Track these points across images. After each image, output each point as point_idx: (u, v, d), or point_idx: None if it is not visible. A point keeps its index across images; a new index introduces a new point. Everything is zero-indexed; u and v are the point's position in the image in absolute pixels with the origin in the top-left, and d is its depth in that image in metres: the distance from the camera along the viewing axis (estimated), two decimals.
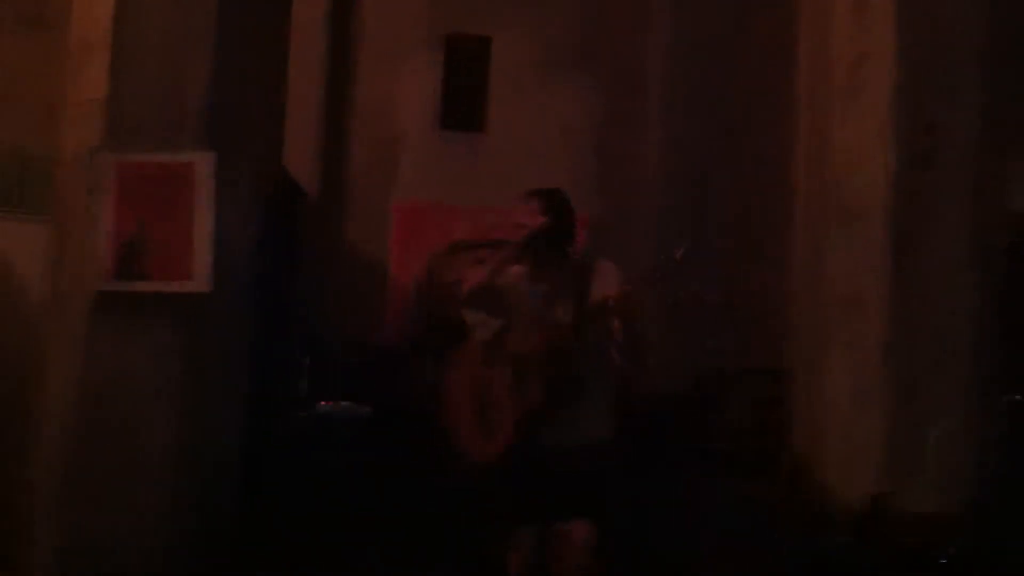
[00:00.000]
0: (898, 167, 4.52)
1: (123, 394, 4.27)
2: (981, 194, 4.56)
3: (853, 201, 4.61)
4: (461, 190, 7.35)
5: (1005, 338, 4.65)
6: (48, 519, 4.30)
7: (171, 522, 4.25)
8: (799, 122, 5.15)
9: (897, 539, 4.20)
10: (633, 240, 7.46)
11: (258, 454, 4.71)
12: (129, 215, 4.31)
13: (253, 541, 4.59)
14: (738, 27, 7.54)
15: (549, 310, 3.84)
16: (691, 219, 7.42)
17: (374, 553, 4.72)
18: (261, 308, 4.75)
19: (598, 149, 7.60)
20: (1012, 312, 4.72)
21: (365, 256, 7.23)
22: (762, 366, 6.22)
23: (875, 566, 4.13)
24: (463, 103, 7.42)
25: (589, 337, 3.77)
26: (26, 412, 4.51)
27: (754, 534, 4.57)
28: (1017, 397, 4.79)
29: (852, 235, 4.62)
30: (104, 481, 4.23)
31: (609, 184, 7.50)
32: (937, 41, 4.55)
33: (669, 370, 6.68)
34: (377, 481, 4.99)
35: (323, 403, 5.46)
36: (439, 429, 3.94)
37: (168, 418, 4.27)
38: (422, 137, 7.36)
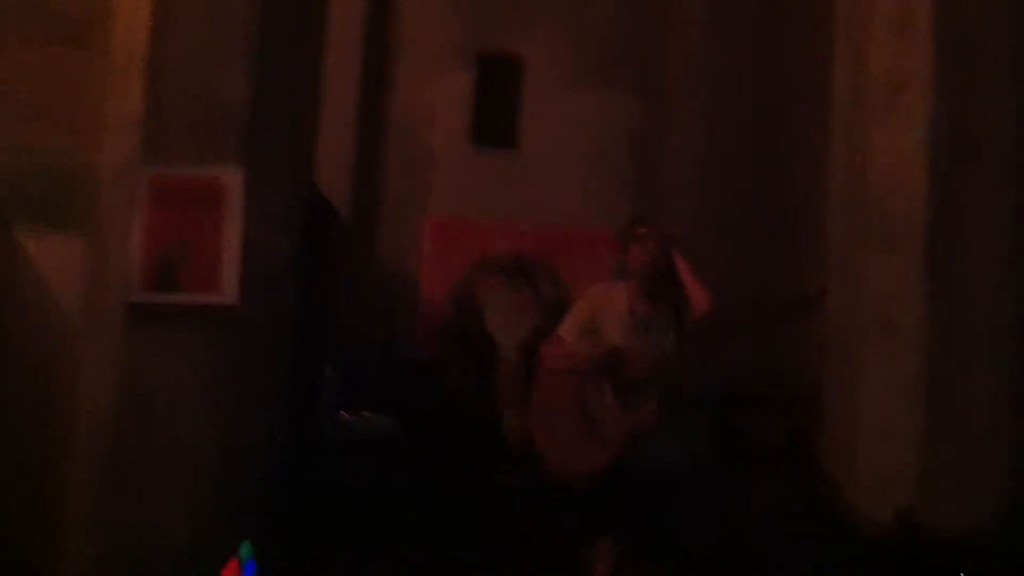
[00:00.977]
0: (937, 190, 4.49)
1: (161, 403, 4.32)
2: (1020, 216, 4.51)
3: (890, 223, 4.58)
4: (493, 206, 7.37)
5: None
6: (84, 527, 4.36)
7: (210, 528, 4.28)
8: (834, 143, 5.11)
9: (925, 557, 4.17)
10: None
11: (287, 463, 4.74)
12: (163, 230, 4.37)
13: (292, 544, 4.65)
14: (771, 38, 7.52)
15: (647, 335, 3.95)
16: (725, 229, 7.40)
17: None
18: (295, 321, 4.79)
19: (631, 162, 7.59)
20: None
21: (397, 271, 7.26)
22: (788, 390, 6.19)
23: None
24: (495, 121, 7.43)
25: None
26: (63, 423, 4.58)
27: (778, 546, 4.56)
28: None
29: (888, 257, 4.59)
30: (143, 488, 4.29)
31: (642, 196, 7.49)
32: (977, 64, 4.52)
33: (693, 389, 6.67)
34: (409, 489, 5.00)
35: (343, 413, 5.46)
36: (503, 443, 4.01)
37: (207, 426, 4.32)
38: (455, 153, 7.39)
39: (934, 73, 4.50)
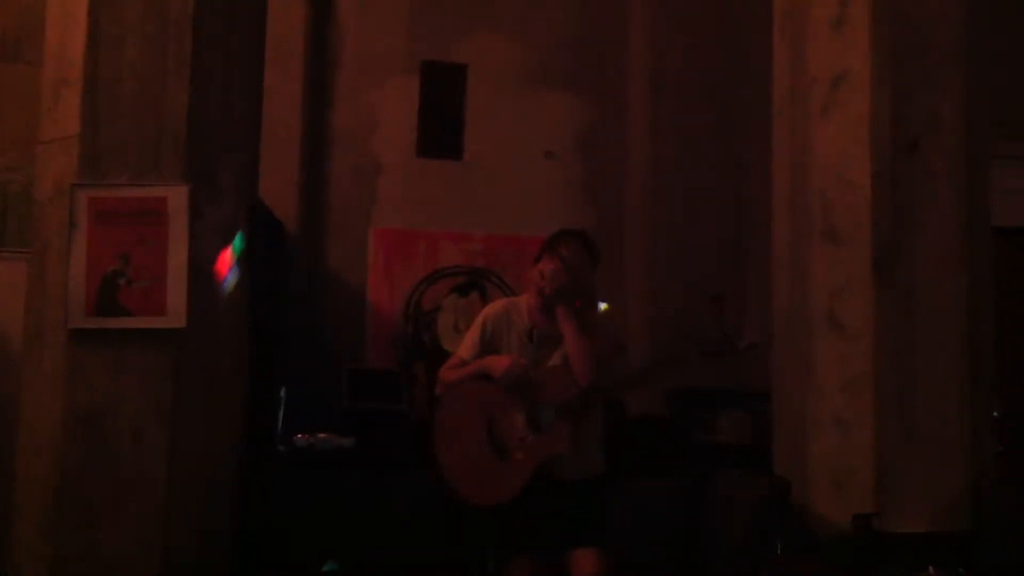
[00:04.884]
0: (879, 185, 4.52)
1: (107, 425, 4.25)
2: (965, 211, 4.55)
3: (834, 218, 4.61)
4: (442, 214, 7.34)
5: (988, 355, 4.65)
6: (30, 554, 4.29)
7: (162, 552, 4.22)
8: (776, 139, 5.14)
9: (883, 560, 4.18)
10: (622, 256, 7.46)
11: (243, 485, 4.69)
12: (105, 250, 4.30)
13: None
14: (723, 36, 7.56)
15: (545, 351, 3.84)
16: (678, 234, 7.43)
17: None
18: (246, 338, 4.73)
19: (581, 165, 7.59)
20: (997, 328, 4.73)
21: (345, 284, 7.20)
22: (745, 388, 6.21)
23: None
24: (441, 129, 7.41)
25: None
26: (5, 448, 4.50)
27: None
28: (995, 414, 4.78)
29: (833, 252, 4.62)
30: (90, 514, 4.21)
31: (593, 203, 7.50)
32: (915, 57, 4.56)
33: (650, 391, 6.68)
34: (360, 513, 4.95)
35: (299, 436, 5.39)
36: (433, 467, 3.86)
37: (155, 447, 4.25)
38: (401, 162, 7.35)
39: (872, 67, 4.54)
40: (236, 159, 4.65)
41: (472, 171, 7.41)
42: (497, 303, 4.09)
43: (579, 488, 3.76)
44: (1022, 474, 5.55)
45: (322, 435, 5.43)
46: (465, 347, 3.94)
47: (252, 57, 4.84)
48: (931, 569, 4.05)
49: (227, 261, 4.37)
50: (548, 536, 3.72)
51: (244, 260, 4.55)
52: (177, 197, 4.32)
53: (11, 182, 5.66)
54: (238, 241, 4.44)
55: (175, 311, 4.29)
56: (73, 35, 4.41)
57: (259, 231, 5.12)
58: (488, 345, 3.88)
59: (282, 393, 5.78)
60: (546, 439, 3.69)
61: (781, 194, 5.01)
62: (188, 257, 4.32)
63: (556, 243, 3.86)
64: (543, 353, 3.83)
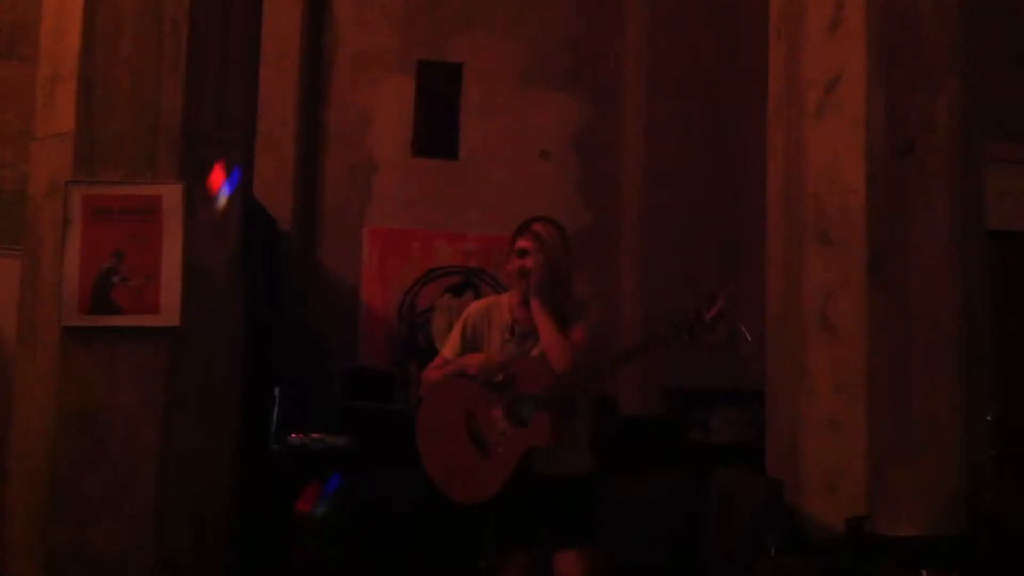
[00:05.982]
0: (874, 187, 4.52)
1: (100, 422, 4.24)
2: (959, 213, 4.55)
3: (828, 219, 4.61)
4: (436, 213, 7.34)
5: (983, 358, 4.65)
6: (23, 551, 4.28)
7: (155, 549, 4.22)
8: (771, 140, 5.14)
9: (877, 563, 4.18)
10: (617, 256, 7.46)
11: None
12: (99, 248, 4.29)
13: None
14: (717, 41, 7.56)
15: (528, 348, 3.81)
16: (674, 234, 7.43)
17: None
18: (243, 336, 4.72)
19: (578, 165, 7.59)
20: (993, 332, 4.73)
21: (339, 282, 7.20)
22: (742, 388, 6.22)
23: None
24: (435, 130, 7.40)
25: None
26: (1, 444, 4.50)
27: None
28: (989, 417, 4.77)
29: (827, 253, 4.61)
30: (84, 511, 4.20)
31: (589, 203, 7.50)
32: (911, 59, 4.56)
33: (645, 391, 6.70)
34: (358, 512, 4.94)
35: (293, 435, 5.38)
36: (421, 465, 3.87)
37: (149, 444, 4.25)
38: (396, 161, 7.34)
39: (867, 69, 4.54)
40: (231, 156, 4.64)
41: (467, 171, 7.41)
42: (480, 302, 4.10)
43: (566, 485, 3.74)
44: (1017, 477, 5.55)
45: (316, 435, 5.42)
46: (448, 347, 3.94)
47: (248, 55, 4.83)
48: (924, 573, 4.05)
49: (219, 177, 4.31)
50: (538, 533, 3.72)
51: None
52: (172, 195, 4.31)
53: (5, 179, 5.66)
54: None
55: (169, 309, 4.28)
56: (68, 31, 4.41)
57: (254, 230, 5.11)
58: (470, 344, 3.88)
59: (276, 392, 5.76)
60: (526, 432, 3.67)
61: (775, 195, 5.01)
62: (182, 255, 4.31)
63: (529, 223, 3.86)
64: (526, 347, 3.81)
